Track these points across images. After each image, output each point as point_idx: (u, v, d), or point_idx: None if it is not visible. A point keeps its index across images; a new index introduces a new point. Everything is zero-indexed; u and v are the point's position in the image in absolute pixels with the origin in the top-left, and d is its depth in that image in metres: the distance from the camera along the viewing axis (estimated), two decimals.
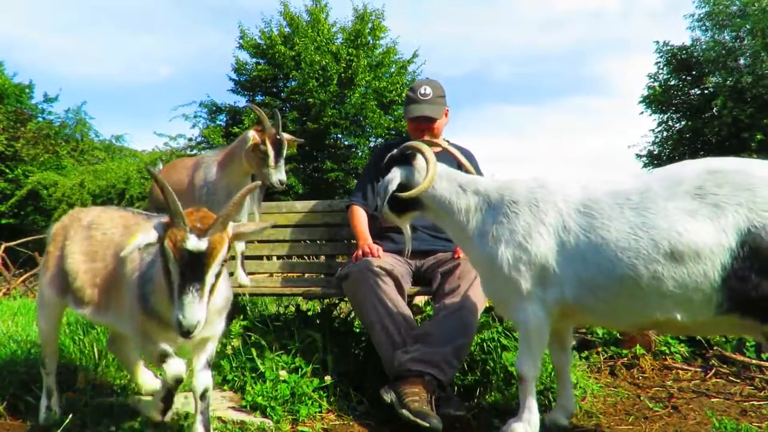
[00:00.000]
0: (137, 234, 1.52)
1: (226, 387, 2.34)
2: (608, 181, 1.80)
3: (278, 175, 2.67)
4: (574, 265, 1.73)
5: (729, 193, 1.54)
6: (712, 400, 2.42)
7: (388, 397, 2.09)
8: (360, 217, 2.66)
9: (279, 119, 2.69)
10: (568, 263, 1.74)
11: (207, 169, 2.85)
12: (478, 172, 2.70)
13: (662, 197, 1.63)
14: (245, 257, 3.27)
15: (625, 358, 2.89)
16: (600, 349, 2.99)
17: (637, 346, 2.92)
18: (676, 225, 1.57)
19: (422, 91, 2.61)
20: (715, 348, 2.92)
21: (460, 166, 2.28)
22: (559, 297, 1.77)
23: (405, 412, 1.98)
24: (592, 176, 1.87)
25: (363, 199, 2.71)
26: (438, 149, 2.39)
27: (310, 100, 11.57)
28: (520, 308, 1.82)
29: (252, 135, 2.63)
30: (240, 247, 2.92)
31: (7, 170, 13.26)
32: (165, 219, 1.54)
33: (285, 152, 2.71)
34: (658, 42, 13.81)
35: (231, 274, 3.09)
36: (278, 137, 2.65)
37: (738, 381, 2.65)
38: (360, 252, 2.49)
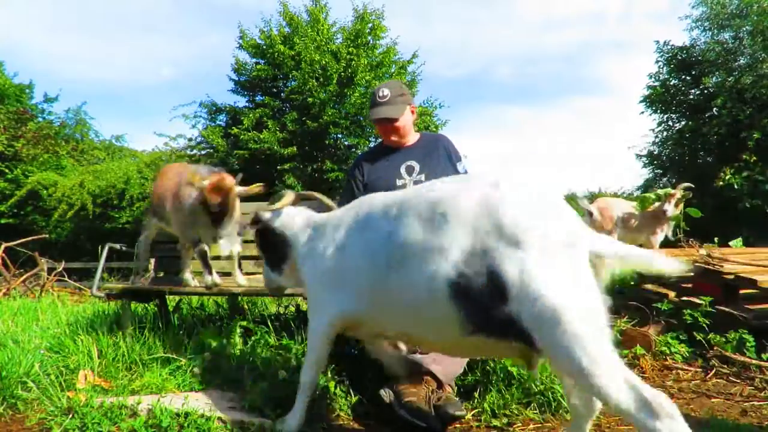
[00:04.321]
0: None
1: (226, 387, 2.34)
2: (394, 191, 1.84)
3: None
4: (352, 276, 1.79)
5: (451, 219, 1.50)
6: (712, 400, 2.42)
7: (387, 396, 2.09)
8: None
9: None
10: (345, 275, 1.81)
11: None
12: (456, 156, 2.74)
13: (413, 214, 1.61)
14: (244, 257, 3.28)
15: (625, 358, 2.89)
16: None
17: (637, 346, 2.92)
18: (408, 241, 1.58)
19: (380, 94, 2.68)
20: (715, 348, 2.92)
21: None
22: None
23: (403, 412, 1.98)
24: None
25: None
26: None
27: (310, 99, 11.55)
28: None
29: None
30: (236, 248, 2.94)
31: (7, 170, 13.25)
32: None
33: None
34: (658, 42, 13.82)
35: (228, 274, 3.10)
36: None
37: (738, 381, 2.65)
38: None
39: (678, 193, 6.26)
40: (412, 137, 2.81)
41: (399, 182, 2.66)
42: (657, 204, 6.45)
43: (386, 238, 1.66)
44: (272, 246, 2.14)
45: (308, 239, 2.01)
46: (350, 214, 1.89)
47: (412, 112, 2.75)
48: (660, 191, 6.67)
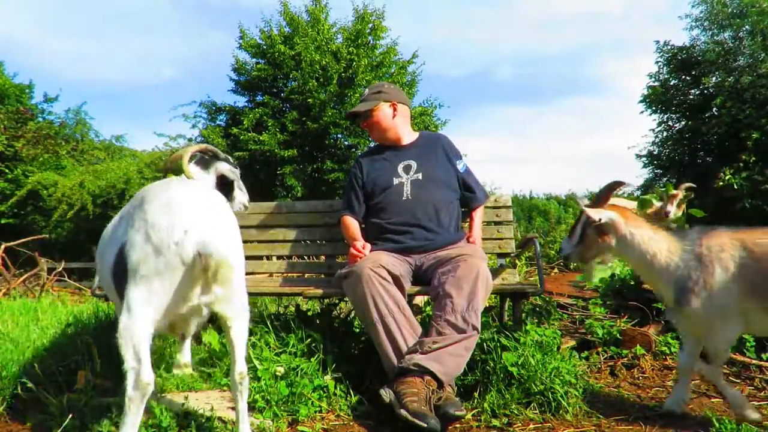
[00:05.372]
0: None
1: (226, 387, 2.33)
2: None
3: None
4: None
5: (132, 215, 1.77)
6: (712, 400, 2.42)
7: (387, 396, 2.09)
8: (350, 224, 2.73)
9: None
10: None
11: None
12: (455, 155, 2.74)
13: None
14: (245, 257, 3.27)
15: (625, 358, 2.89)
16: (600, 349, 2.99)
17: (637, 346, 2.92)
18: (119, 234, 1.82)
19: (362, 93, 2.82)
20: None
21: None
22: None
23: (403, 412, 1.98)
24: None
25: (351, 211, 2.76)
26: None
27: (310, 99, 11.55)
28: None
29: None
30: None
31: (7, 170, 13.26)
32: None
33: None
34: (658, 42, 13.82)
35: None
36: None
37: (738, 381, 2.65)
38: (351, 251, 2.54)
39: (680, 193, 6.23)
40: (407, 136, 2.81)
41: (396, 181, 2.66)
42: (659, 205, 6.42)
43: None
44: None
45: None
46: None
47: (394, 108, 2.76)
48: (661, 190, 6.64)
